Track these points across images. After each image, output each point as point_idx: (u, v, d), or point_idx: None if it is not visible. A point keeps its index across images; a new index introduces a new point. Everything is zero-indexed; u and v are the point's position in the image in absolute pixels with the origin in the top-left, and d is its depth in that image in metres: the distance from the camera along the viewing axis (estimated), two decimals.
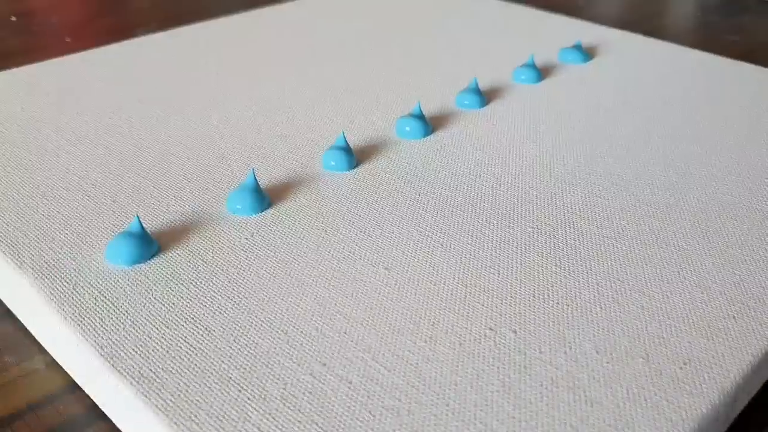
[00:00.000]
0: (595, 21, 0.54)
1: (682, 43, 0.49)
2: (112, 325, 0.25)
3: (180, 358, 0.23)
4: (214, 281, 0.27)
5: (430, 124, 0.38)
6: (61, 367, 0.27)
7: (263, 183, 0.33)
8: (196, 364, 0.23)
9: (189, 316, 0.25)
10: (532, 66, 0.44)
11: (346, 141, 0.34)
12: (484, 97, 0.41)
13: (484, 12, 0.55)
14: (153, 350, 0.24)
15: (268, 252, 0.28)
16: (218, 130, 0.38)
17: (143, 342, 0.24)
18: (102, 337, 0.24)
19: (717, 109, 0.40)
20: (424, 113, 0.38)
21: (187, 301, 0.26)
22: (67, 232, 0.30)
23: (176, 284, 0.26)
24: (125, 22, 0.63)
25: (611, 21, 0.58)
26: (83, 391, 0.25)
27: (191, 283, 0.27)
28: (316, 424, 0.21)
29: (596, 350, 0.24)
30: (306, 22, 0.53)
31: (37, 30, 0.61)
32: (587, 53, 0.46)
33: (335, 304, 0.26)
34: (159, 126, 0.38)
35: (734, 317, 0.25)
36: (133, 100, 0.41)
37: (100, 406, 0.25)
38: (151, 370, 0.23)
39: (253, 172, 0.31)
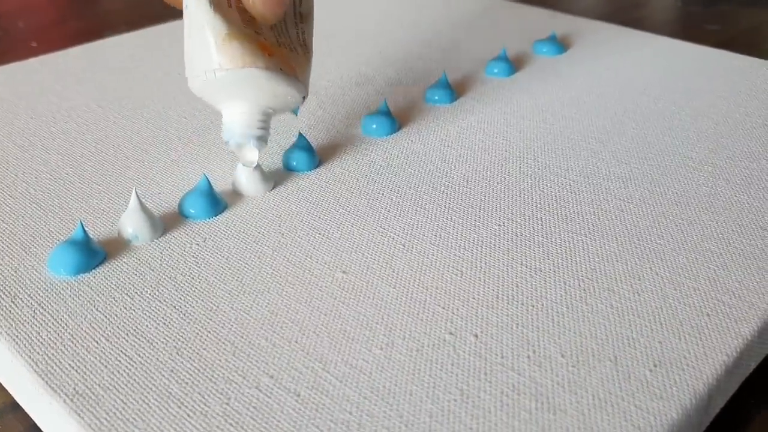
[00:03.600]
0: (572, 13, 0.52)
1: (662, 34, 0.48)
2: (49, 339, 0.23)
3: (118, 373, 0.22)
4: (160, 290, 0.25)
5: (397, 120, 0.36)
6: (1, 385, 0.25)
7: (220, 185, 0.31)
8: (135, 380, 0.22)
9: (131, 328, 0.24)
10: (504, 59, 0.42)
11: (306, 140, 0.33)
12: (455, 91, 0.39)
13: (455, 4, 0.53)
14: (90, 365, 0.22)
15: (220, 258, 0.27)
16: (177, 131, 0.36)
17: (81, 356, 0.22)
18: (37, 352, 0.23)
19: (694, 98, 0.39)
20: (391, 109, 0.37)
21: (131, 311, 0.24)
22: (10, 241, 0.28)
23: (120, 294, 0.25)
24: (95, 25, 0.62)
25: (588, 13, 0.57)
26: (24, 410, 0.24)
27: (136, 292, 0.25)
28: None
29: (561, 354, 0.22)
30: None
31: (1, 35, 0.59)
32: (562, 45, 0.45)
33: (287, 311, 0.24)
34: (115, 129, 0.36)
35: (708, 314, 0.24)
36: (91, 104, 0.39)
37: (39, 426, 0.23)
38: (86, 386, 0.21)
39: (206, 176, 0.30)
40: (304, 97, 0.30)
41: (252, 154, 0.30)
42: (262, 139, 0.30)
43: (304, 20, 0.31)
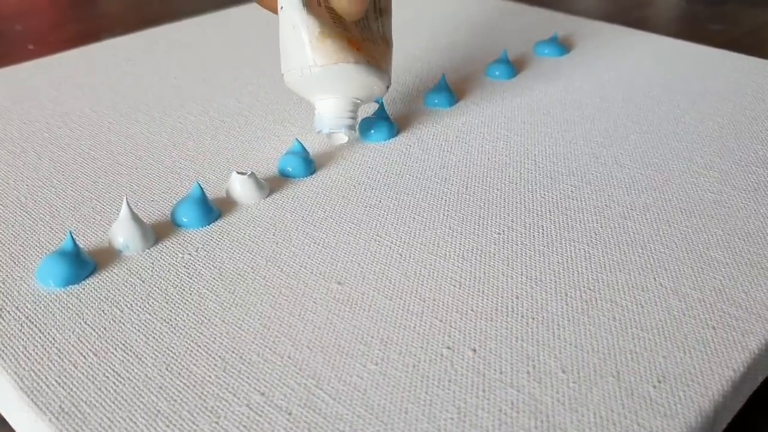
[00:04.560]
0: (574, 13, 0.52)
1: (666, 34, 0.47)
2: (36, 353, 0.23)
3: (106, 389, 0.21)
4: (150, 303, 0.25)
5: (395, 125, 0.36)
6: None
7: (214, 193, 0.31)
8: (122, 396, 0.21)
9: (120, 342, 0.23)
10: (505, 61, 0.42)
11: (302, 146, 0.32)
12: (454, 94, 0.39)
13: (456, 6, 0.53)
14: (77, 381, 0.21)
15: (212, 269, 0.26)
16: (171, 137, 0.36)
17: (68, 372, 0.22)
18: (23, 368, 0.22)
19: (699, 100, 0.38)
20: (389, 114, 0.36)
21: (120, 325, 0.24)
22: None
23: (110, 307, 0.24)
24: (92, 28, 0.61)
25: (591, 14, 0.56)
26: (10, 425, 0.23)
27: (126, 305, 0.24)
28: None
29: (562, 369, 0.22)
30: (271, 23, 0.51)
31: None
32: (564, 46, 0.44)
33: (280, 325, 0.23)
34: (109, 135, 0.36)
35: (714, 327, 0.23)
36: (85, 109, 0.39)
37: None
38: (73, 403, 0.21)
39: (199, 184, 0.29)
40: (387, 86, 0.33)
41: (341, 140, 0.34)
42: (351, 127, 0.33)
43: (383, 14, 0.34)
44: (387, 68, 0.33)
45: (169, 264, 0.26)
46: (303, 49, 0.30)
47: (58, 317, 0.24)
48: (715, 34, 0.54)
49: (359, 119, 0.34)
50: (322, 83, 0.31)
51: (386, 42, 0.34)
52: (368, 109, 0.37)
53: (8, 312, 0.24)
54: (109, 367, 0.22)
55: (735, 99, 0.38)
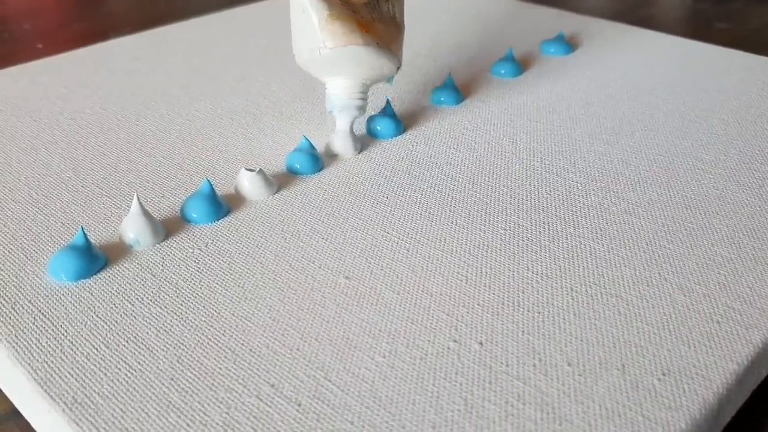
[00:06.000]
0: (580, 12, 0.52)
1: (672, 33, 0.47)
2: (49, 346, 0.23)
3: (118, 381, 0.22)
4: (161, 296, 0.25)
5: (402, 122, 0.36)
6: (2, 392, 0.25)
7: (223, 189, 0.31)
8: (134, 388, 0.21)
9: (131, 334, 0.23)
10: (511, 59, 0.42)
11: (309, 143, 0.33)
12: (460, 93, 0.39)
13: (463, 4, 0.53)
14: (90, 373, 0.22)
15: (222, 263, 0.27)
16: (180, 134, 0.36)
17: (80, 364, 0.22)
18: (36, 360, 0.22)
19: (704, 99, 0.38)
20: (395, 111, 0.36)
21: (131, 318, 0.24)
22: (11, 247, 0.28)
23: (121, 300, 0.25)
24: (100, 27, 0.62)
25: (597, 12, 0.56)
26: (25, 417, 0.24)
27: (137, 299, 0.25)
28: None
29: (568, 362, 0.22)
30: (278, 21, 0.51)
31: (7, 37, 0.59)
32: (570, 45, 0.45)
33: (289, 318, 0.24)
34: (118, 132, 0.36)
35: (718, 321, 0.23)
36: (95, 106, 0.39)
37: None
38: (85, 394, 0.21)
39: (208, 180, 0.29)
40: (398, 68, 0.33)
41: (346, 152, 0.33)
42: (362, 108, 0.33)
43: None
44: (397, 49, 0.33)
45: (179, 259, 0.27)
46: (313, 30, 0.31)
47: (70, 310, 0.24)
48: (721, 33, 0.54)
49: (369, 102, 0.34)
50: (332, 64, 0.32)
51: (396, 23, 0.34)
52: (375, 107, 0.38)
53: (22, 306, 0.25)
54: (121, 359, 0.22)
55: (740, 97, 0.38)
